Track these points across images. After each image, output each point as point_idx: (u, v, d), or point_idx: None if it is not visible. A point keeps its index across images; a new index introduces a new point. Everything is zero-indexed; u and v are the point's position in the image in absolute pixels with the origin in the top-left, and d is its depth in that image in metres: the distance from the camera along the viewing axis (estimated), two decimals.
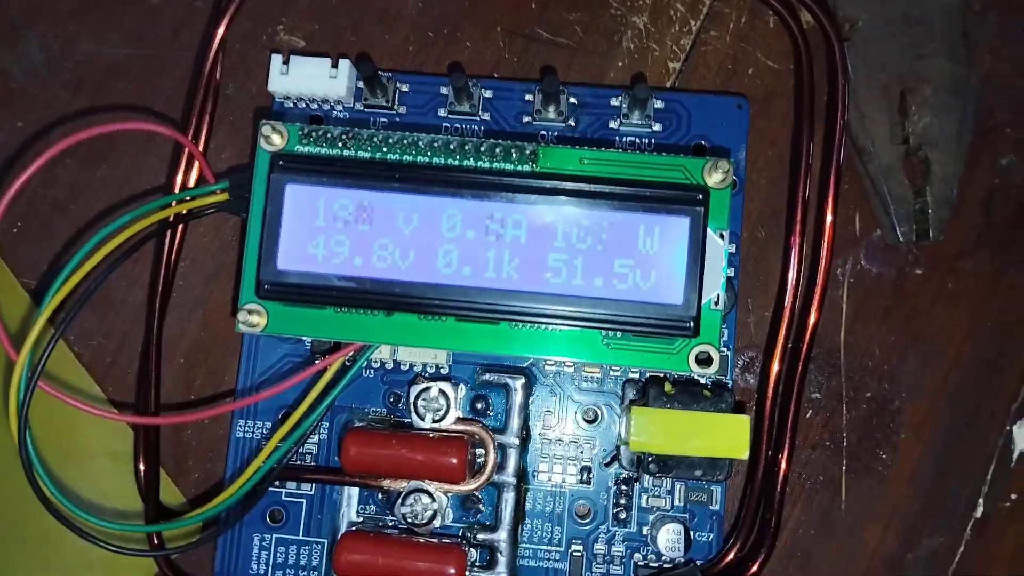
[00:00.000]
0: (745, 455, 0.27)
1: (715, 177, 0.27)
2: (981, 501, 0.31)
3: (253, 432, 0.30)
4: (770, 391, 0.29)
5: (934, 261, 0.32)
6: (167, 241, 0.30)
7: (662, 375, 0.29)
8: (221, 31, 0.30)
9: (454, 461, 0.28)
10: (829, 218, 0.29)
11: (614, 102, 0.31)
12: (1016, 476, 0.31)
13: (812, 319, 0.29)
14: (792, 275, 0.28)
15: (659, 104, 0.31)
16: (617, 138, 0.31)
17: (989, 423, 0.31)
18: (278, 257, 0.26)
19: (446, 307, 0.26)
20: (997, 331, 0.31)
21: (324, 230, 0.26)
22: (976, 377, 0.31)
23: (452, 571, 0.27)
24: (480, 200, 0.26)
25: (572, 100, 0.31)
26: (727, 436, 0.27)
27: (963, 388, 0.31)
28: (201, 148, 0.31)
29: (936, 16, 0.31)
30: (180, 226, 0.30)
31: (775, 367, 0.29)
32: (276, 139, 0.27)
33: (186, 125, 0.30)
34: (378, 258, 0.26)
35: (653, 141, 0.31)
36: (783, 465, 0.28)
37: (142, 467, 0.29)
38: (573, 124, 0.31)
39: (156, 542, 0.29)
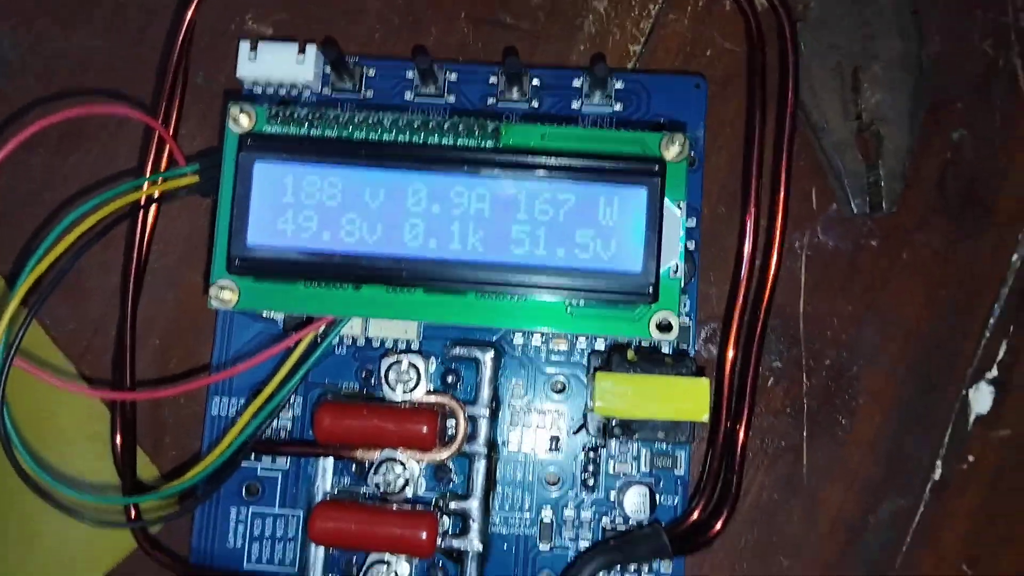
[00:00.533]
0: (705, 417, 0.28)
1: (672, 151, 0.28)
2: (939, 464, 0.32)
3: (228, 409, 0.31)
4: (728, 358, 0.30)
5: (889, 233, 0.33)
6: (139, 224, 0.31)
7: (625, 343, 0.30)
8: (190, 14, 0.31)
9: (424, 429, 0.28)
10: (783, 193, 0.29)
11: (576, 83, 0.32)
12: (973, 439, 0.32)
13: (768, 290, 0.29)
14: (748, 247, 0.29)
15: (619, 85, 0.32)
16: (579, 118, 0.32)
17: (945, 388, 0.32)
18: (248, 233, 0.27)
19: (413, 279, 0.27)
20: (952, 299, 0.32)
21: (292, 206, 0.27)
22: (932, 344, 0.32)
23: (424, 534, 0.27)
24: (444, 175, 0.27)
25: (535, 82, 0.32)
26: (688, 399, 0.28)
27: (919, 355, 0.32)
28: (171, 134, 0.31)
29: None
30: (152, 208, 0.31)
31: (733, 335, 0.29)
32: (244, 120, 0.27)
33: (156, 111, 0.31)
34: (346, 232, 0.27)
35: (614, 120, 0.32)
36: (743, 428, 0.29)
37: (119, 441, 0.30)
38: (536, 105, 0.32)
39: (133, 515, 0.29)
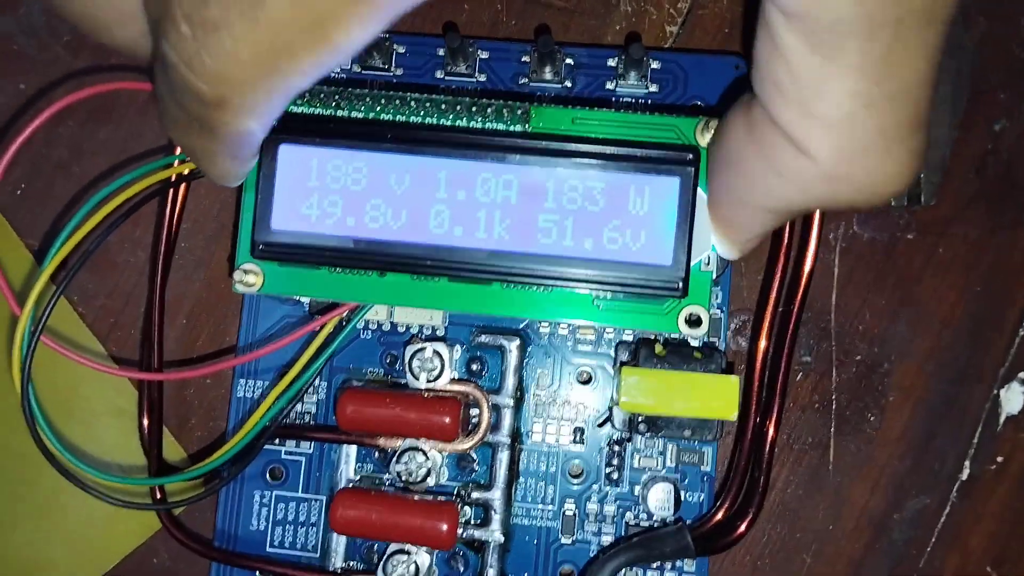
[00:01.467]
0: (734, 416, 0.28)
1: (707, 137, 0.27)
2: (968, 463, 0.31)
3: (253, 392, 0.31)
4: (760, 353, 0.29)
5: (925, 226, 0.32)
6: (168, 201, 0.30)
7: (653, 336, 0.29)
8: None
9: (447, 420, 0.28)
10: None
11: (611, 63, 0.31)
12: (1002, 439, 0.31)
13: (803, 283, 0.29)
14: (784, 238, 0.29)
15: (656, 65, 0.31)
16: (614, 99, 0.31)
17: (977, 387, 0.31)
18: (272, 217, 0.27)
19: (438, 267, 0.26)
20: (986, 296, 0.31)
21: (317, 190, 0.27)
22: (965, 341, 0.31)
23: (444, 527, 0.27)
24: (471, 160, 0.26)
25: (568, 61, 0.31)
26: (716, 397, 0.28)
27: (952, 352, 0.31)
28: None
29: None
30: (182, 186, 0.30)
31: (765, 328, 0.29)
32: None
33: None
34: (371, 218, 0.26)
35: (650, 101, 0.31)
36: (772, 426, 0.29)
37: (145, 423, 0.30)
38: (569, 85, 0.31)
39: (158, 496, 0.30)
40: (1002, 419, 0.31)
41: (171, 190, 0.30)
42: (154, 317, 0.30)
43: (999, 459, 0.31)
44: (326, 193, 0.27)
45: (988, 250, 0.32)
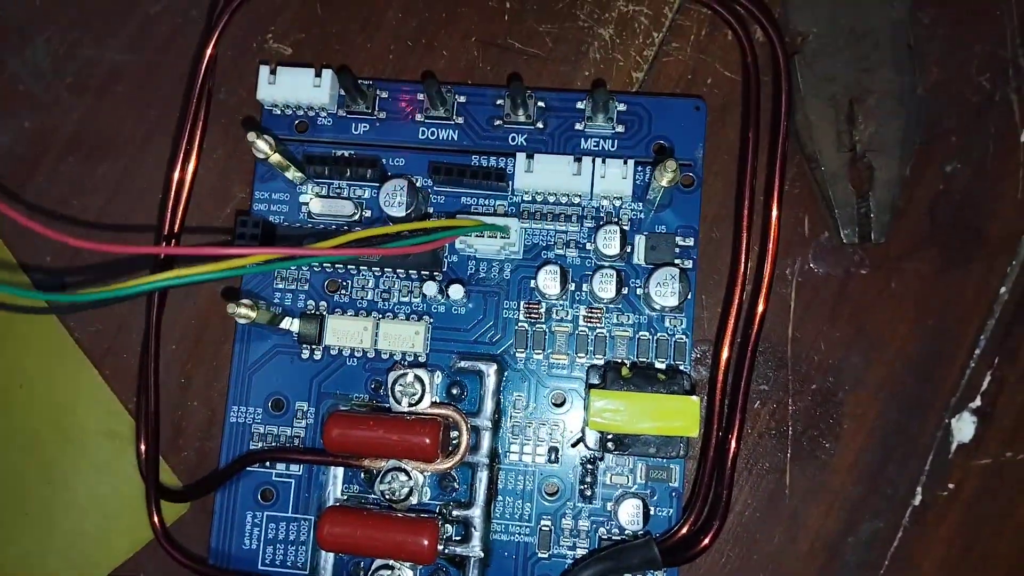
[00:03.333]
0: (695, 433, 0.29)
1: (667, 176, 0.29)
2: (920, 490, 0.33)
3: (246, 417, 0.32)
4: (720, 376, 0.31)
5: (878, 262, 0.33)
6: (164, 233, 0.32)
7: (620, 360, 0.31)
8: (209, 50, 0.33)
9: (427, 440, 0.30)
10: (774, 220, 0.30)
11: (579, 105, 0.33)
12: (953, 467, 0.33)
13: (759, 311, 0.30)
14: (740, 270, 0.30)
15: (621, 107, 0.33)
16: (582, 140, 0.33)
17: (928, 416, 0.33)
18: None
19: None
20: (937, 329, 0.33)
21: None
22: (916, 372, 0.33)
23: (425, 542, 0.29)
24: None
25: (540, 104, 0.33)
26: (679, 416, 0.29)
27: (904, 382, 0.33)
28: (196, 149, 0.33)
29: (883, 29, 0.33)
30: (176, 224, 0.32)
31: (724, 353, 0.31)
32: (263, 146, 0.29)
33: (180, 131, 0.33)
34: None
35: (616, 142, 0.33)
36: (733, 445, 0.30)
37: (143, 448, 0.32)
38: (541, 127, 0.33)
39: (157, 521, 0.31)
40: (953, 447, 0.33)
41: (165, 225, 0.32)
42: (151, 346, 0.31)
43: (950, 486, 0.33)
44: None
45: (940, 286, 0.33)
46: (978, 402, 0.33)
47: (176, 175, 0.33)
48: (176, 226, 0.32)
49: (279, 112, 0.34)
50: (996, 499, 0.32)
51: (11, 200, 0.35)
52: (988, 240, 0.34)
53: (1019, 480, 0.32)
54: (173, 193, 0.32)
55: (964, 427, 0.33)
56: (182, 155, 0.33)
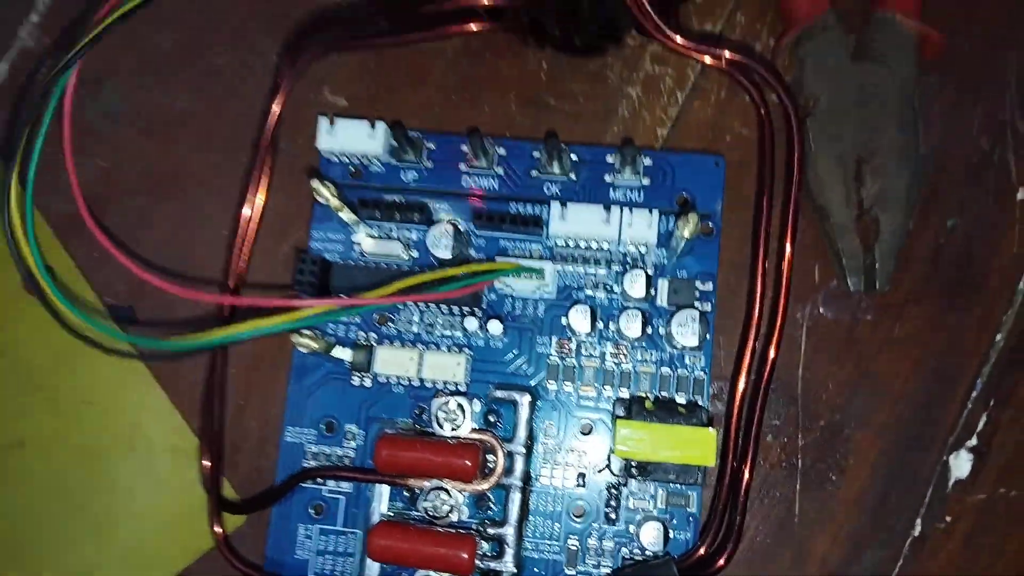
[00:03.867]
0: (712, 463, 0.32)
1: (688, 229, 0.32)
2: (919, 522, 0.35)
3: (300, 437, 0.35)
4: (735, 411, 0.33)
5: (883, 308, 0.36)
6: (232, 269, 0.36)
7: (644, 395, 0.34)
8: (277, 108, 0.36)
9: (468, 463, 0.32)
10: (786, 269, 0.33)
11: (609, 159, 0.36)
12: (951, 501, 0.35)
13: (771, 355, 0.33)
14: (755, 315, 0.33)
15: (648, 161, 0.36)
16: (611, 190, 0.36)
17: (928, 453, 0.35)
18: None
19: None
20: (937, 372, 0.36)
21: None
22: (917, 412, 0.36)
23: (464, 555, 0.31)
24: None
25: (573, 157, 0.36)
26: (697, 446, 0.32)
27: (906, 421, 0.35)
28: (263, 196, 0.36)
29: (889, 94, 0.36)
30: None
31: (739, 391, 0.33)
32: (325, 191, 0.32)
33: (248, 178, 0.36)
34: None
35: (643, 193, 0.36)
36: (746, 475, 0.33)
37: (206, 464, 0.35)
38: (574, 177, 0.36)
39: (220, 531, 0.34)
40: (951, 483, 0.35)
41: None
42: (216, 366, 0.35)
43: (948, 519, 0.35)
44: None
45: (940, 332, 0.36)
46: (974, 441, 0.35)
47: (243, 217, 0.36)
48: (243, 262, 0.35)
49: (335, 160, 0.37)
50: (990, 532, 0.35)
51: (86, 233, 0.38)
52: (986, 290, 0.36)
53: (1012, 514, 0.35)
54: (240, 233, 0.35)
55: (961, 464, 0.35)
56: (249, 199, 0.36)
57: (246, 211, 0.36)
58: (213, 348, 0.31)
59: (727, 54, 0.34)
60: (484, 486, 0.33)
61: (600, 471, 0.34)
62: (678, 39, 0.33)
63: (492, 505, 0.34)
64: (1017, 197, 0.37)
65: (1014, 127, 0.37)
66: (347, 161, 0.37)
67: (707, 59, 0.34)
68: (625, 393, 0.35)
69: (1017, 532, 0.35)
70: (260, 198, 0.36)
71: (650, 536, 0.33)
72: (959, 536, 0.35)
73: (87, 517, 0.36)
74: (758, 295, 0.34)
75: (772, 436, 0.36)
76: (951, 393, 0.36)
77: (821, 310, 0.36)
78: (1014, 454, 0.35)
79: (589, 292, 0.35)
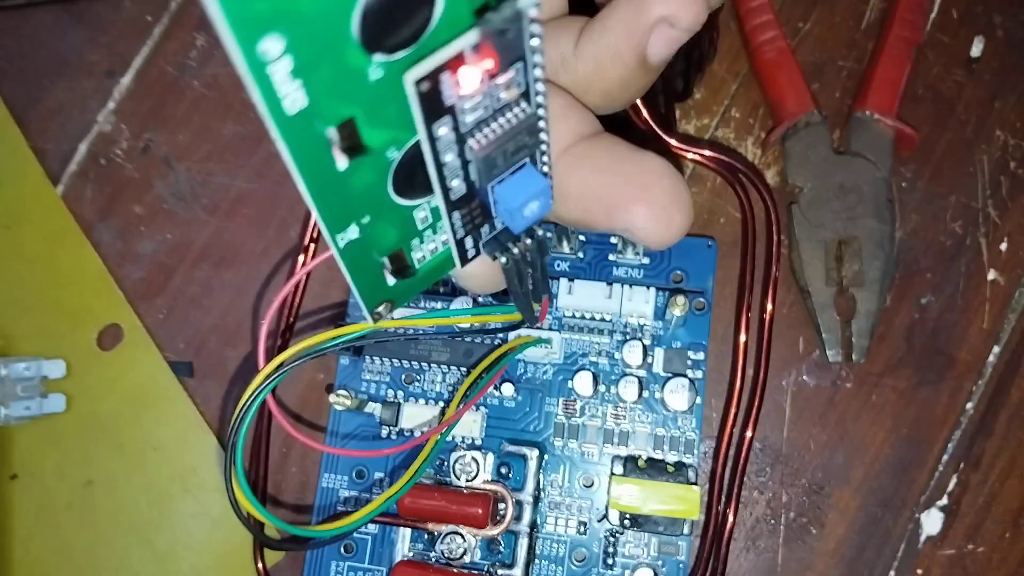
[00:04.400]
0: (696, 516, 0.36)
1: (677, 309, 0.36)
2: (892, 573, 0.38)
3: (334, 483, 0.40)
4: (719, 469, 0.37)
5: (861, 378, 0.40)
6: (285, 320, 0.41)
7: (638, 455, 0.38)
8: None
9: (479, 511, 0.37)
10: (765, 343, 0.37)
11: (612, 240, 0.41)
12: (922, 555, 0.38)
13: (752, 421, 0.37)
14: (737, 387, 0.37)
15: None
16: (614, 268, 0.41)
17: (902, 511, 0.39)
18: None
19: None
20: (911, 436, 0.39)
21: None
22: (892, 472, 0.39)
23: None
24: None
25: (581, 238, 0.41)
26: (683, 502, 0.36)
27: (881, 481, 0.39)
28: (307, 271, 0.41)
29: (866, 186, 0.40)
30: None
31: (722, 452, 0.37)
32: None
33: (298, 251, 0.41)
34: None
35: (642, 271, 0.40)
36: (728, 527, 0.37)
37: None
38: (581, 256, 0.41)
39: (261, 567, 0.39)
40: (922, 538, 0.39)
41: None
42: (264, 420, 0.40)
43: (919, 571, 0.38)
44: None
45: (914, 401, 0.40)
46: (945, 500, 0.39)
47: (292, 284, 0.41)
48: (290, 326, 0.40)
49: None
50: None
51: (153, 296, 0.44)
52: (957, 363, 0.40)
53: (978, 569, 0.38)
54: (287, 299, 0.40)
55: (932, 522, 0.39)
56: (298, 269, 0.41)
57: (295, 279, 0.41)
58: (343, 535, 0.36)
59: (714, 154, 0.38)
60: (495, 531, 0.37)
61: (600, 520, 0.38)
62: (672, 141, 0.38)
63: (502, 549, 0.38)
64: (988, 278, 0.41)
65: (986, 213, 0.41)
66: None
67: (698, 158, 0.38)
68: (623, 451, 0.39)
69: None
70: (304, 277, 0.41)
71: None
72: None
73: (152, 549, 0.41)
74: (739, 366, 0.38)
75: (759, 491, 0.39)
76: (924, 456, 0.39)
77: (804, 378, 0.40)
78: (981, 513, 0.39)
79: (593, 359, 0.40)
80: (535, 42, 0.18)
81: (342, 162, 0.18)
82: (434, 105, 0.18)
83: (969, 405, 0.39)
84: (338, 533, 0.33)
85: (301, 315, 0.42)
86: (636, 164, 0.22)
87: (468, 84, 0.17)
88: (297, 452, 0.42)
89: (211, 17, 0.13)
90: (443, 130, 0.18)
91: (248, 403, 0.30)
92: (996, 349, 0.40)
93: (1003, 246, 0.41)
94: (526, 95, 0.19)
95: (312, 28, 0.15)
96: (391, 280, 0.23)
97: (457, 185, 0.20)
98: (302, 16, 0.15)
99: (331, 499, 0.40)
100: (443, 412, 0.39)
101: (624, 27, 0.22)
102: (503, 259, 0.22)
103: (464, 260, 0.23)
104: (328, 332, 0.32)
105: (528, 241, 0.22)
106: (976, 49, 0.43)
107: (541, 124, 0.20)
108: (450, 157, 0.19)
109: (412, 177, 0.20)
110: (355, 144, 0.18)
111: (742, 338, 0.38)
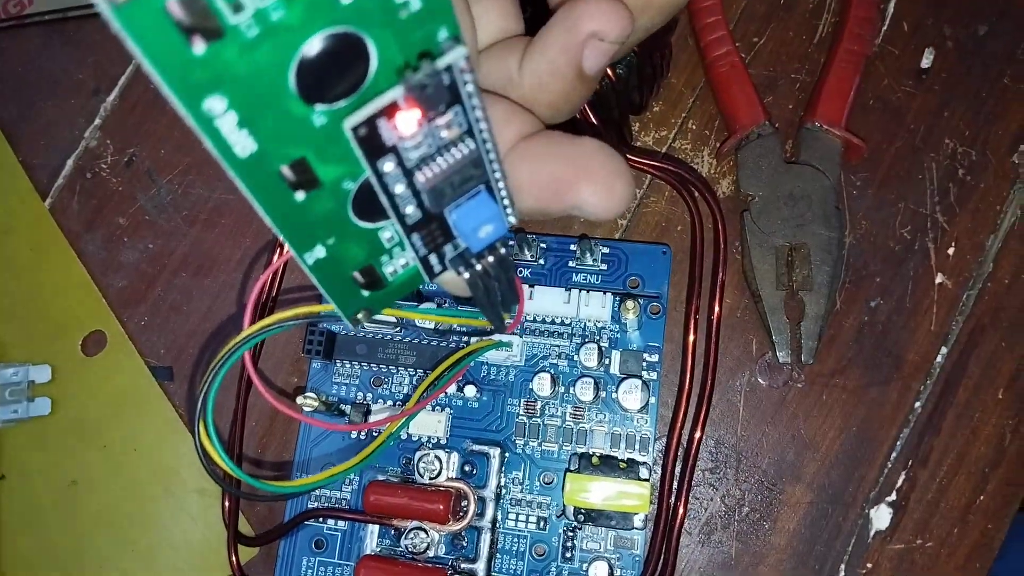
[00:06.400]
0: (646, 511, 0.38)
1: (629, 313, 0.38)
2: (843, 567, 0.40)
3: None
4: (670, 464, 0.39)
5: (812, 378, 0.41)
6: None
7: (591, 452, 0.40)
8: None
9: (440, 507, 0.38)
10: (714, 343, 0.39)
11: (572, 247, 0.42)
12: (871, 549, 0.40)
13: (701, 422, 0.39)
14: (687, 382, 0.39)
15: (605, 250, 0.42)
16: (573, 275, 0.42)
17: (851, 507, 0.40)
18: None
19: None
20: (861, 435, 0.41)
21: None
22: (842, 470, 0.40)
23: None
24: None
25: (542, 245, 0.43)
26: (634, 497, 0.38)
27: (832, 477, 0.40)
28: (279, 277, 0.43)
29: (814, 194, 0.41)
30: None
31: (672, 452, 0.39)
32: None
33: (269, 263, 0.43)
34: None
35: (600, 277, 0.42)
36: (678, 522, 0.38)
37: (227, 505, 0.41)
38: (542, 263, 0.43)
39: (235, 562, 0.40)
40: (871, 533, 0.40)
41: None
42: (238, 424, 0.41)
43: (868, 565, 0.40)
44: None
45: (864, 400, 0.41)
46: (893, 496, 0.40)
47: (265, 290, 0.43)
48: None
49: None
50: None
51: (136, 304, 0.46)
52: (906, 364, 0.41)
53: (927, 563, 0.39)
54: (261, 302, 0.42)
55: (881, 517, 0.40)
56: (271, 276, 0.43)
57: (267, 285, 0.43)
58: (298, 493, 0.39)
59: (666, 165, 0.40)
60: (457, 527, 0.39)
61: (558, 516, 0.40)
62: (627, 156, 0.39)
63: (465, 544, 0.40)
64: (936, 281, 0.42)
65: (934, 219, 0.43)
66: None
67: (651, 170, 0.40)
68: (582, 449, 0.40)
69: None
70: (276, 282, 0.43)
71: (598, 573, 0.39)
72: None
73: (133, 547, 0.43)
74: (689, 367, 0.39)
75: (713, 488, 0.41)
76: (873, 453, 0.41)
77: (757, 378, 0.42)
78: (930, 509, 0.40)
79: (552, 361, 0.41)
80: (470, 88, 0.19)
81: (299, 195, 0.20)
82: (375, 146, 0.19)
83: (917, 404, 0.41)
84: (291, 491, 0.35)
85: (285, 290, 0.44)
86: (574, 148, 0.24)
87: (406, 127, 0.19)
88: (271, 451, 0.43)
89: (156, 84, 0.15)
90: (389, 166, 0.20)
91: (227, 356, 0.31)
92: (944, 350, 0.41)
93: (951, 251, 0.42)
94: (470, 132, 0.21)
95: (251, 86, 0.17)
96: (365, 292, 0.25)
97: (412, 211, 0.22)
98: (240, 78, 0.16)
99: (302, 498, 0.41)
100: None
101: (560, 45, 0.23)
102: (466, 275, 0.24)
103: (432, 275, 0.25)
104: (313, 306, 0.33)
105: (490, 259, 0.24)
106: (926, 60, 0.44)
107: (489, 157, 0.21)
108: (400, 188, 0.21)
109: (371, 203, 0.22)
110: (309, 179, 0.20)
111: (691, 339, 0.39)
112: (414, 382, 0.42)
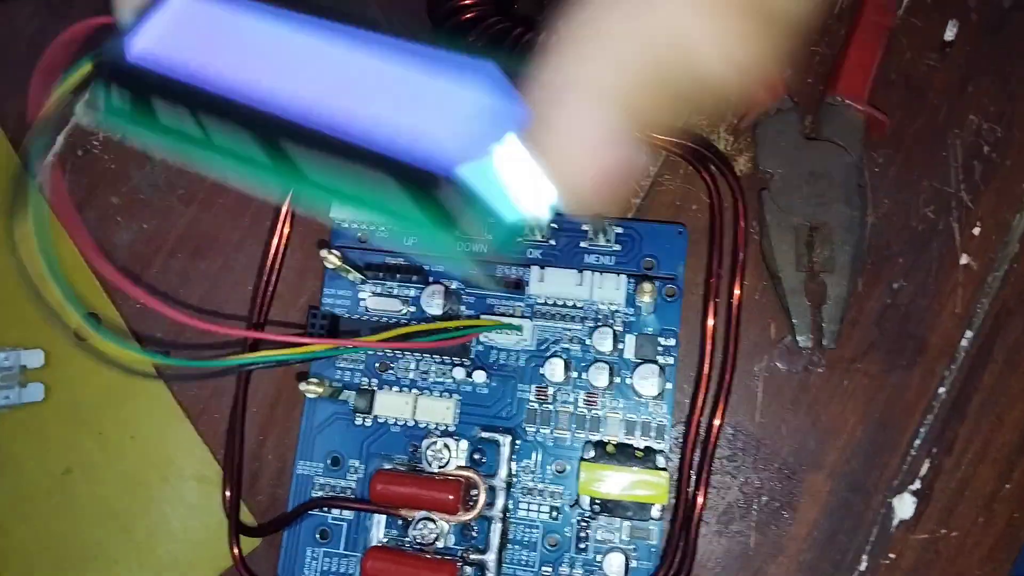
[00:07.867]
0: (664, 501, 0.36)
1: (645, 296, 0.36)
2: (865, 558, 0.38)
3: (310, 470, 0.40)
4: (688, 456, 0.38)
5: (833, 363, 0.40)
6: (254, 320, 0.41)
7: (607, 440, 0.38)
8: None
9: (450, 497, 0.37)
10: (734, 326, 0.38)
11: (584, 227, 0.41)
12: (894, 539, 0.38)
13: (721, 406, 0.37)
14: (705, 370, 0.37)
15: (619, 230, 0.41)
16: (586, 255, 0.41)
17: (874, 495, 0.39)
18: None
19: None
20: (883, 422, 0.39)
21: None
22: (864, 457, 0.39)
23: None
24: None
25: (553, 225, 0.41)
26: (651, 487, 0.37)
27: (853, 465, 0.39)
28: (280, 258, 0.42)
29: (835, 172, 0.40)
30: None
31: (691, 437, 0.37)
32: (334, 259, 0.38)
33: (268, 245, 0.41)
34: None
35: (614, 258, 0.41)
36: (697, 512, 0.37)
37: (227, 495, 0.40)
38: (553, 243, 0.41)
39: (237, 552, 0.39)
40: (895, 522, 0.39)
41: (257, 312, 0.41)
42: (239, 403, 0.40)
43: (892, 555, 0.38)
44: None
45: (886, 385, 0.40)
46: (917, 485, 0.39)
47: (266, 273, 0.41)
48: (264, 314, 0.41)
49: (346, 226, 0.42)
50: (931, 568, 0.38)
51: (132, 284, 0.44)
52: (929, 348, 0.40)
53: (951, 553, 0.38)
54: (262, 290, 0.41)
55: (905, 506, 0.39)
56: (271, 258, 0.41)
57: (268, 268, 0.41)
58: (232, 369, 0.36)
59: (683, 142, 0.38)
60: (467, 517, 0.37)
61: (571, 506, 0.39)
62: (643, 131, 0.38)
63: (475, 534, 0.38)
64: (960, 262, 0.41)
65: (959, 198, 0.41)
66: (356, 228, 0.42)
67: (667, 146, 0.38)
68: (595, 436, 0.39)
69: (954, 569, 0.38)
70: (278, 264, 0.41)
71: (613, 565, 0.37)
72: (901, 572, 0.38)
73: (131, 536, 0.41)
74: (708, 351, 0.38)
75: (731, 476, 0.39)
76: (896, 441, 0.39)
77: (776, 363, 0.40)
78: (954, 497, 0.39)
79: (564, 345, 0.40)
80: None
81: None
82: None
83: (941, 390, 0.40)
84: (212, 365, 0.35)
85: (278, 305, 0.42)
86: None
87: None
88: (273, 439, 0.42)
89: None
90: None
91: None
92: (969, 334, 0.40)
93: (976, 230, 0.41)
94: None
95: None
96: None
97: None
98: None
99: (306, 486, 0.40)
100: (416, 401, 0.40)
101: None
102: None
103: None
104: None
105: None
106: (950, 33, 0.43)
107: None
108: None
109: None
110: None
111: (710, 322, 0.38)
112: (420, 367, 0.41)
